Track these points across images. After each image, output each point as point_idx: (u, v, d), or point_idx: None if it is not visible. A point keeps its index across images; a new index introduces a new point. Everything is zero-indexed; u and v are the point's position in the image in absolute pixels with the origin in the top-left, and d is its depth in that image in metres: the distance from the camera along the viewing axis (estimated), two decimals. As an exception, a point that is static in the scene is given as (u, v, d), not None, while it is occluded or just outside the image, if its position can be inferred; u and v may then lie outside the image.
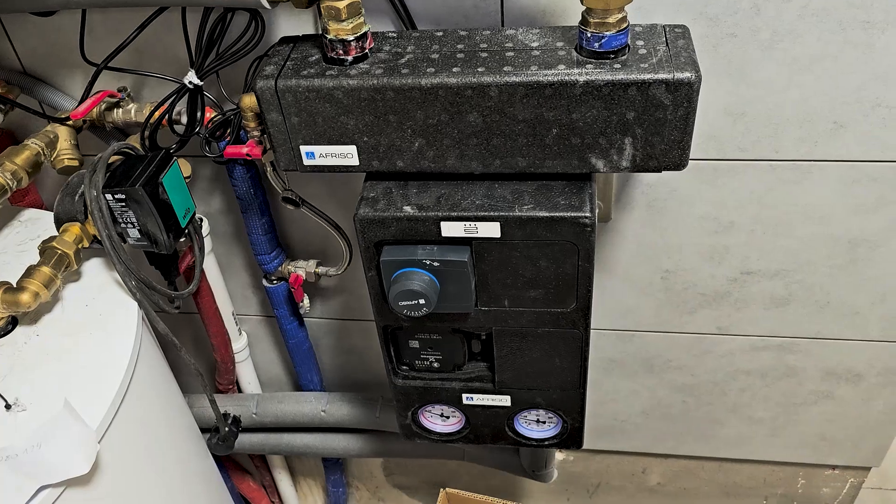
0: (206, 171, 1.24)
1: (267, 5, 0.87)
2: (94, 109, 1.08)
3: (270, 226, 1.22)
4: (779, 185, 1.08)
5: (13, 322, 0.91)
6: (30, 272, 0.88)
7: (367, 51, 0.87)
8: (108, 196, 0.89)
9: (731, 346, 1.31)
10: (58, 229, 0.93)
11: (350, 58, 0.86)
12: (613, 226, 1.17)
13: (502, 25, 0.98)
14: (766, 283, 1.20)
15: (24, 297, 0.85)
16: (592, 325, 0.97)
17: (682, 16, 0.93)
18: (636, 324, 1.32)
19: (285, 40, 0.94)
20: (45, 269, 0.88)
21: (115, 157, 0.96)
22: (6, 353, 0.88)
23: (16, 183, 0.98)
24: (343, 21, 0.84)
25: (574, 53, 0.84)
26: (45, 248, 0.90)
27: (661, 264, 1.21)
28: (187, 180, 1.05)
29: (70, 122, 1.07)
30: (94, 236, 0.94)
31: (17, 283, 0.87)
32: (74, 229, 0.91)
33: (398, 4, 0.97)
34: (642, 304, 1.28)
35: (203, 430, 1.26)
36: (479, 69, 0.83)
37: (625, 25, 0.81)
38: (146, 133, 1.04)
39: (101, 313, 0.92)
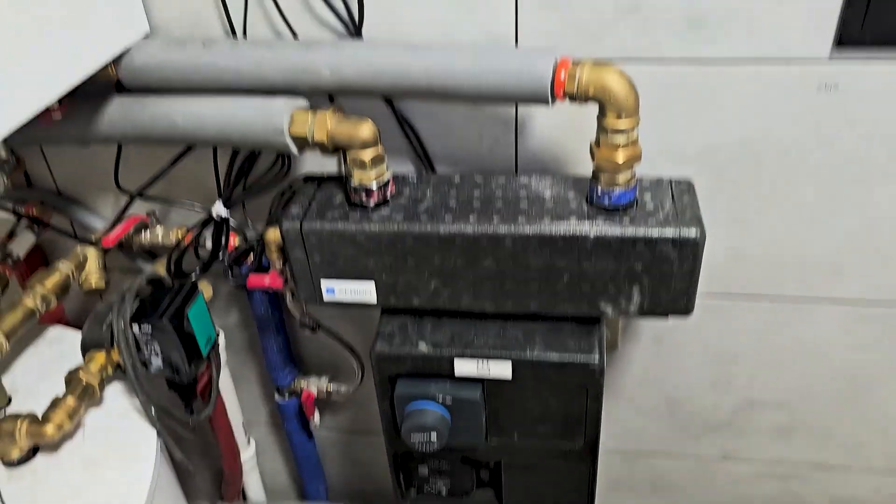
0: (224, 287, 1.28)
1: (296, 152, 0.92)
2: (123, 232, 1.13)
3: (285, 343, 1.25)
4: (781, 322, 1.11)
5: (34, 449, 0.93)
6: (55, 404, 0.90)
7: (388, 196, 0.92)
8: (135, 327, 0.93)
9: (737, 472, 1.32)
10: (83, 356, 0.96)
11: (372, 203, 0.91)
12: (620, 354, 1.20)
13: (516, 169, 1.03)
14: (770, 414, 1.22)
15: (49, 429, 0.88)
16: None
17: (687, 166, 0.99)
18: (641, 446, 1.33)
19: (310, 179, 0.99)
20: (70, 401, 0.90)
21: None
22: (27, 484, 0.89)
23: (45, 307, 1.02)
24: (368, 170, 0.90)
25: (585, 205, 0.89)
26: (71, 378, 0.93)
27: (666, 391, 1.23)
28: (208, 301, 1.09)
29: (100, 245, 1.11)
30: (118, 363, 0.97)
31: (43, 415, 0.90)
32: (100, 357, 0.95)
33: (419, 147, 1.02)
34: (647, 428, 1.30)
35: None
36: (495, 218, 0.87)
37: (633, 183, 0.86)
38: (173, 257, 1.09)
39: (122, 442, 0.94)
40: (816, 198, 0.98)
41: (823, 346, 1.12)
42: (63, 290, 1.05)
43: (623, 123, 0.81)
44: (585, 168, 0.99)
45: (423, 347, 0.93)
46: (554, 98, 0.82)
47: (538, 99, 0.82)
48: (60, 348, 1.07)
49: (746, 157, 0.97)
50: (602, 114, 0.82)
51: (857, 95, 0.89)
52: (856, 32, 0.84)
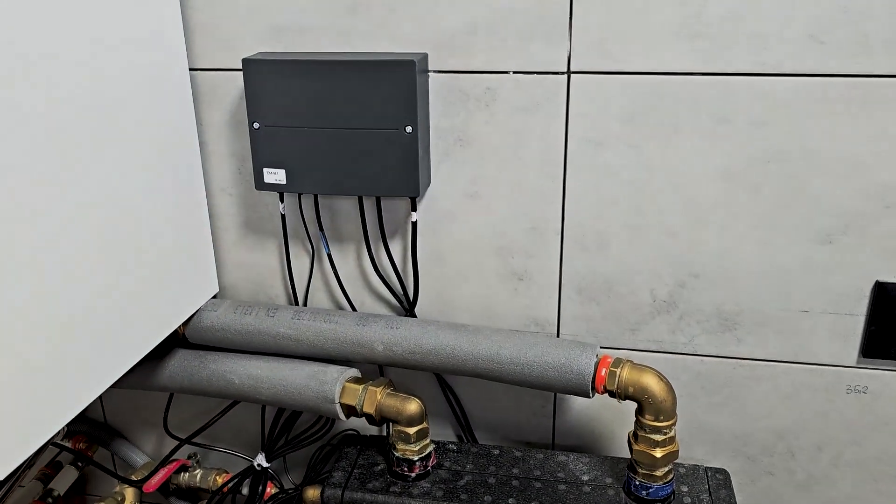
0: (253, 529, 1.27)
1: (343, 418, 0.96)
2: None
3: None
4: None
5: None
6: None
7: (429, 468, 0.95)
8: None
9: None
10: None
11: (413, 474, 0.93)
12: None
13: (552, 440, 1.06)
14: None
15: None
16: None
17: (721, 452, 1.01)
18: None
19: (351, 440, 1.02)
20: None
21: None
22: None
23: (78, 552, 1.02)
24: (411, 444, 0.93)
25: (622, 495, 0.90)
26: None
27: None
28: (237, 551, 1.08)
29: (139, 487, 1.13)
30: None
31: None
32: None
33: (460, 414, 1.06)
34: None
35: None
36: (534, 503, 0.89)
37: (671, 477, 0.88)
38: (209, 504, 1.10)
39: None
40: (854, 492, 0.99)
41: None
42: (98, 533, 1.06)
43: (661, 423, 0.85)
44: (621, 444, 1.03)
45: None
46: (594, 393, 0.86)
47: (578, 392, 0.87)
48: None
49: (781, 448, 0.99)
50: (640, 412, 0.86)
51: (886, 399, 0.93)
52: (881, 345, 0.89)
